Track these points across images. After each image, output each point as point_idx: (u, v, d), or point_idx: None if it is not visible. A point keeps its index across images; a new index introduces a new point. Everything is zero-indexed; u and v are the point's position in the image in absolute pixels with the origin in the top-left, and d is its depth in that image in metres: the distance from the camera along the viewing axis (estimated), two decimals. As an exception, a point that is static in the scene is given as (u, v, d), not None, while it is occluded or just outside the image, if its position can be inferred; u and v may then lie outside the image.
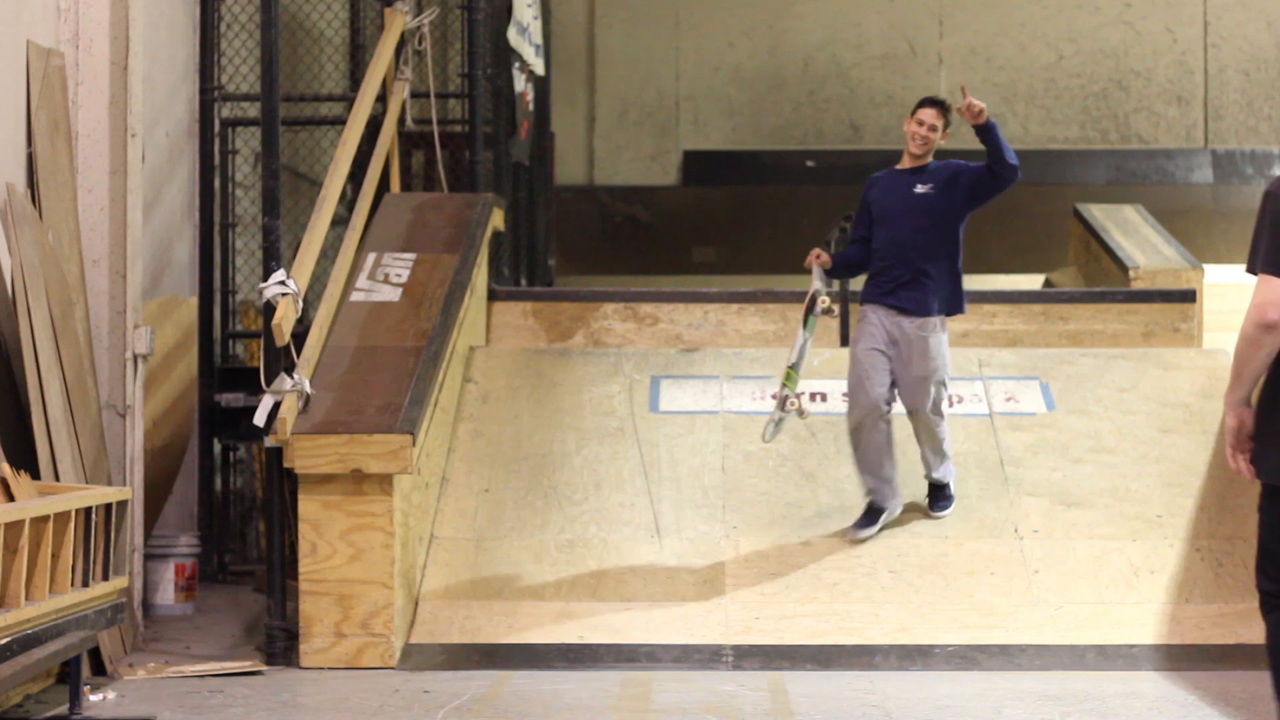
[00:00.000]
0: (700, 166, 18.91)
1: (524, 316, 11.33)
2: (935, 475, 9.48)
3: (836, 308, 9.61)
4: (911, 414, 9.31)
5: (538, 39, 13.05)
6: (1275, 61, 18.81)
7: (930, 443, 9.40)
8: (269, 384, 8.99)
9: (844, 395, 9.60)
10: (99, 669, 8.40)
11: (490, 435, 10.08)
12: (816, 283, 9.44)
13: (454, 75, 13.37)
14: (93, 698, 7.83)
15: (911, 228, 9.34)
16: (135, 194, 9.48)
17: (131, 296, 9.39)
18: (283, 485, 9.14)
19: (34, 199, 8.82)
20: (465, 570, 9.27)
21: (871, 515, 9.37)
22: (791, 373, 9.28)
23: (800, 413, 9.25)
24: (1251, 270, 5.70)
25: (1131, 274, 12.75)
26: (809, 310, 9.42)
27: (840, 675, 8.25)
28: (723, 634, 8.89)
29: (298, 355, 9.15)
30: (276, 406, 8.89)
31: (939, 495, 9.54)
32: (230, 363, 11.95)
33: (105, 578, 7.74)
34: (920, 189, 9.46)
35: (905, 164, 9.56)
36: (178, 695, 8.05)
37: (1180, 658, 8.76)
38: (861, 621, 8.88)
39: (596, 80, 19.11)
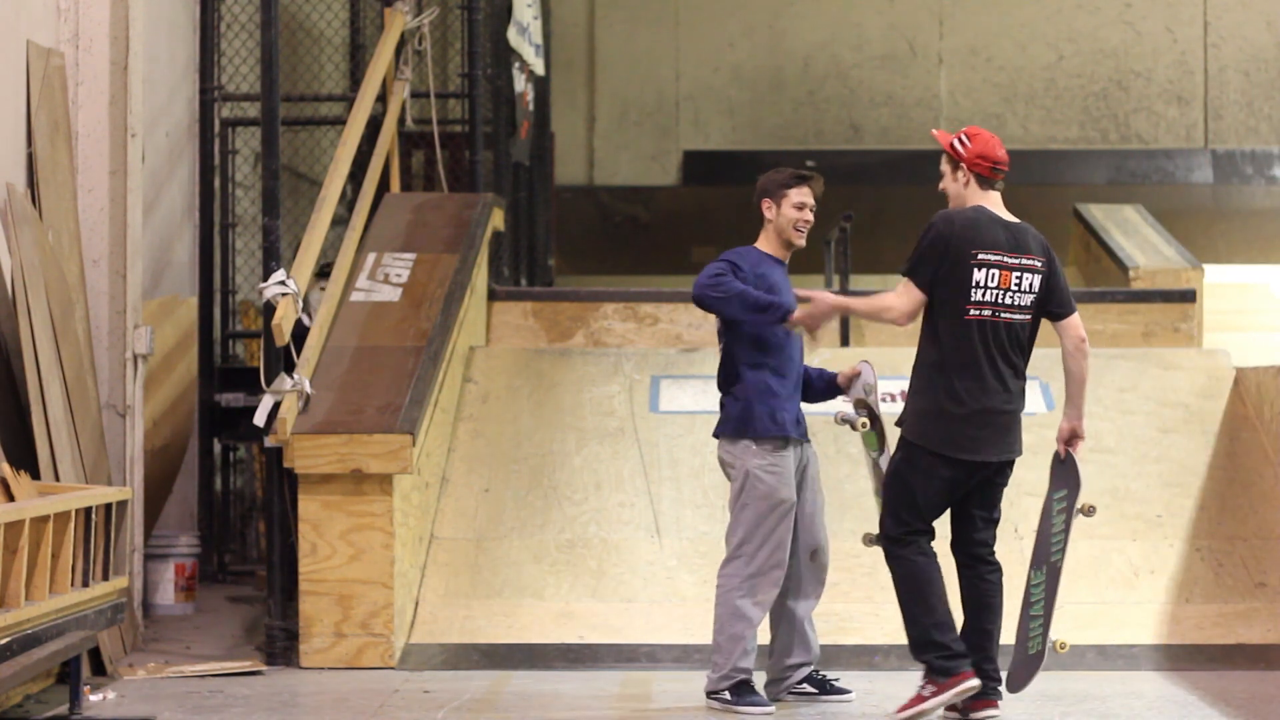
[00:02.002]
0: (700, 166, 18.90)
1: (524, 316, 11.32)
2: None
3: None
4: (815, 555, 7.94)
5: (538, 39, 13.05)
6: (1275, 61, 18.80)
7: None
8: (269, 384, 8.99)
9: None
10: (99, 669, 8.40)
11: (490, 435, 10.08)
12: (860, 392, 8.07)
13: (454, 75, 13.37)
14: (93, 698, 7.83)
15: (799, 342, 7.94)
16: (135, 194, 9.48)
17: (131, 296, 9.40)
18: (283, 485, 9.14)
19: (34, 199, 8.82)
20: (465, 570, 9.27)
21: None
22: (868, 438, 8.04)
23: None
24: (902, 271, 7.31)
25: (1131, 274, 12.75)
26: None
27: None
28: (723, 634, 8.88)
29: (297, 355, 9.15)
30: (276, 406, 8.89)
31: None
32: (230, 363, 11.95)
33: (105, 578, 7.74)
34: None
35: (780, 255, 7.92)
36: (178, 695, 8.05)
37: (1180, 658, 8.76)
38: (861, 621, 8.87)
39: (596, 80, 19.10)
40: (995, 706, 7.38)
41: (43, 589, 7.18)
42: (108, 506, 7.81)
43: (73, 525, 7.39)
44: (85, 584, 7.54)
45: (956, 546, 7.53)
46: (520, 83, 12.45)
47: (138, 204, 9.54)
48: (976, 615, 7.48)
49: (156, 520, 10.19)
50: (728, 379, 7.76)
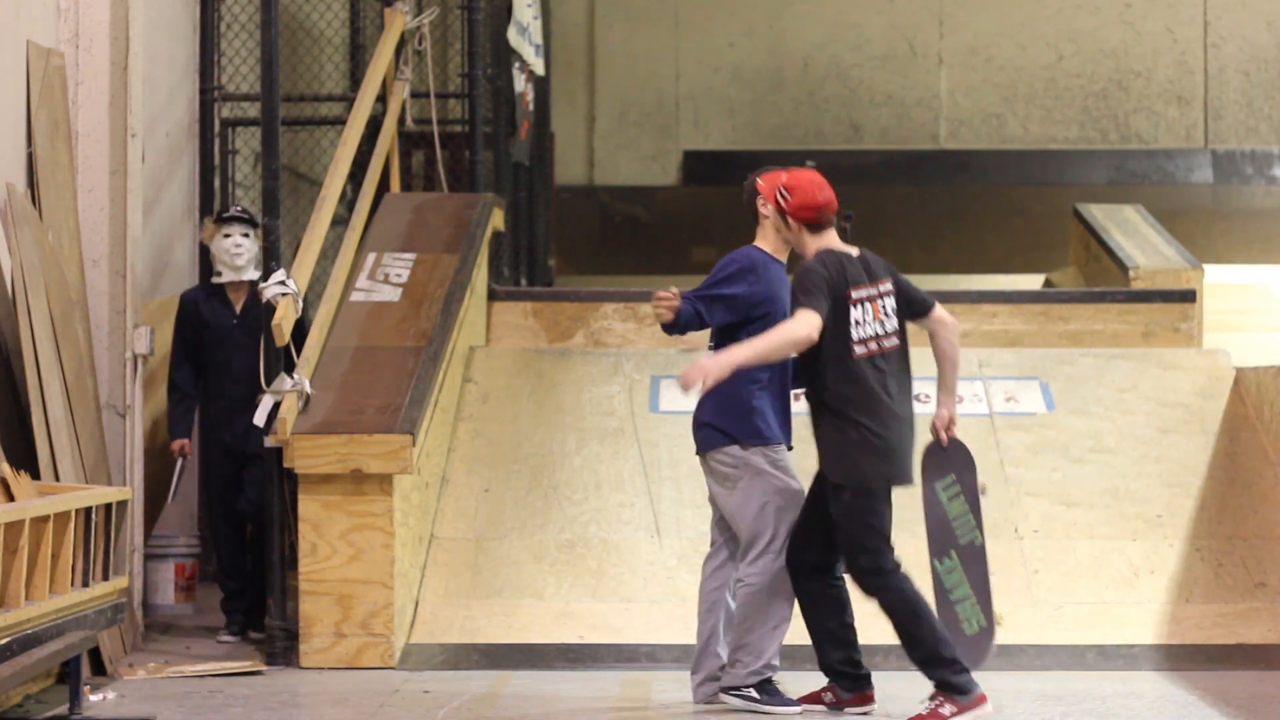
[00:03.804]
0: (700, 166, 18.91)
1: (524, 316, 11.32)
2: None
3: None
4: None
5: (538, 39, 13.05)
6: (1275, 61, 18.81)
7: None
8: (269, 384, 8.99)
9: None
10: (99, 669, 8.40)
11: (490, 435, 10.08)
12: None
13: (454, 75, 13.36)
14: (93, 698, 7.83)
15: None
16: (135, 194, 9.48)
17: (131, 296, 9.40)
18: (283, 485, 9.15)
19: (34, 199, 8.82)
20: (465, 570, 9.27)
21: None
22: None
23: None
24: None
25: (1131, 274, 12.74)
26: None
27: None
28: (723, 634, 8.88)
29: (297, 355, 9.15)
30: (276, 406, 8.90)
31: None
32: (230, 363, 11.93)
33: (105, 578, 7.74)
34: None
35: (780, 253, 7.90)
36: (178, 695, 8.05)
37: (1180, 658, 8.76)
38: (862, 621, 8.85)
39: (596, 80, 19.10)
40: (874, 700, 7.71)
41: (43, 589, 7.18)
42: (108, 506, 7.81)
43: (73, 525, 7.39)
44: (85, 584, 7.54)
45: (808, 559, 7.61)
46: (520, 83, 12.45)
47: (138, 204, 9.53)
48: (840, 614, 7.68)
49: (156, 520, 10.19)
50: (721, 386, 7.61)
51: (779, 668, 7.72)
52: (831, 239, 7.65)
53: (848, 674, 7.70)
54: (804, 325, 7.31)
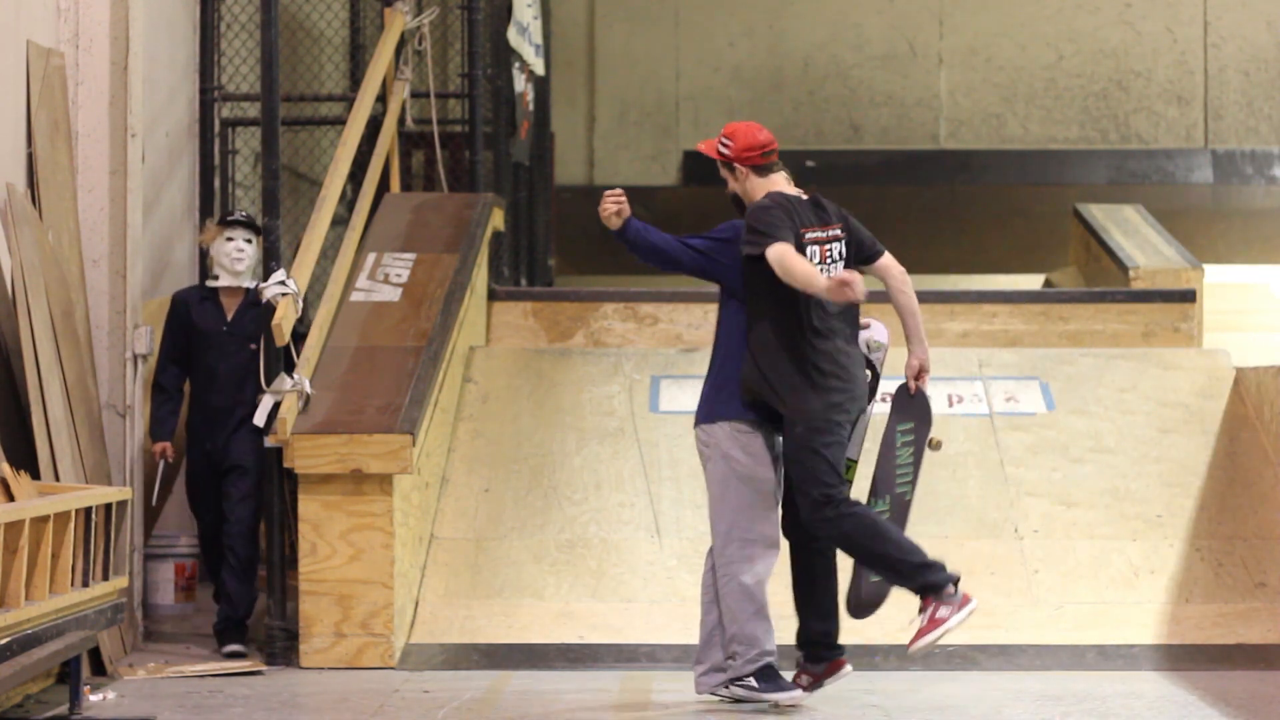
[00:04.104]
0: (700, 166, 18.87)
1: (524, 316, 11.32)
2: None
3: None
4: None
5: (538, 39, 13.05)
6: (1275, 61, 18.81)
7: None
8: (269, 384, 9.00)
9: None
10: (99, 669, 8.40)
11: (490, 435, 10.08)
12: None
13: (454, 75, 13.36)
14: (93, 698, 7.83)
15: None
16: (135, 194, 9.48)
17: (131, 296, 9.40)
18: (283, 485, 9.15)
19: (34, 199, 8.82)
20: (465, 570, 9.27)
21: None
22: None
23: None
24: (760, 247, 7.34)
25: (1131, 274, 12.74)
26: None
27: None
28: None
29: (298, 355, 9.15)
30: (276, 406, 8.90)
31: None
32: (230, 363, 11.92)
33: (105, 578, 7.74)
34: None
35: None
36: (178, 695, 8.05)
37: (1180, 658, 8.76)
38: (861, 621, 8.87)
39: (596, 80, 19.11)
40: (845, 664, 7.72)
41: (43, 589, 7.18)
42: (108, 506, 7.81)
43: (73, 525, 7.39)
44: (85, 584, 7.54)
45: (794, 527, 7.64)
46: (520, 83, 12.45)
47: (138, 204, 9.53)
48: (826, 581, 7.66)
49: (156, 520, 10.19)
50: (711, 362, 7.81)
51: (774, 652, 7.64)
52: (779, 182, 7.62)
53: (821, 644, 7.66)
54: (785, 255, 7.28)
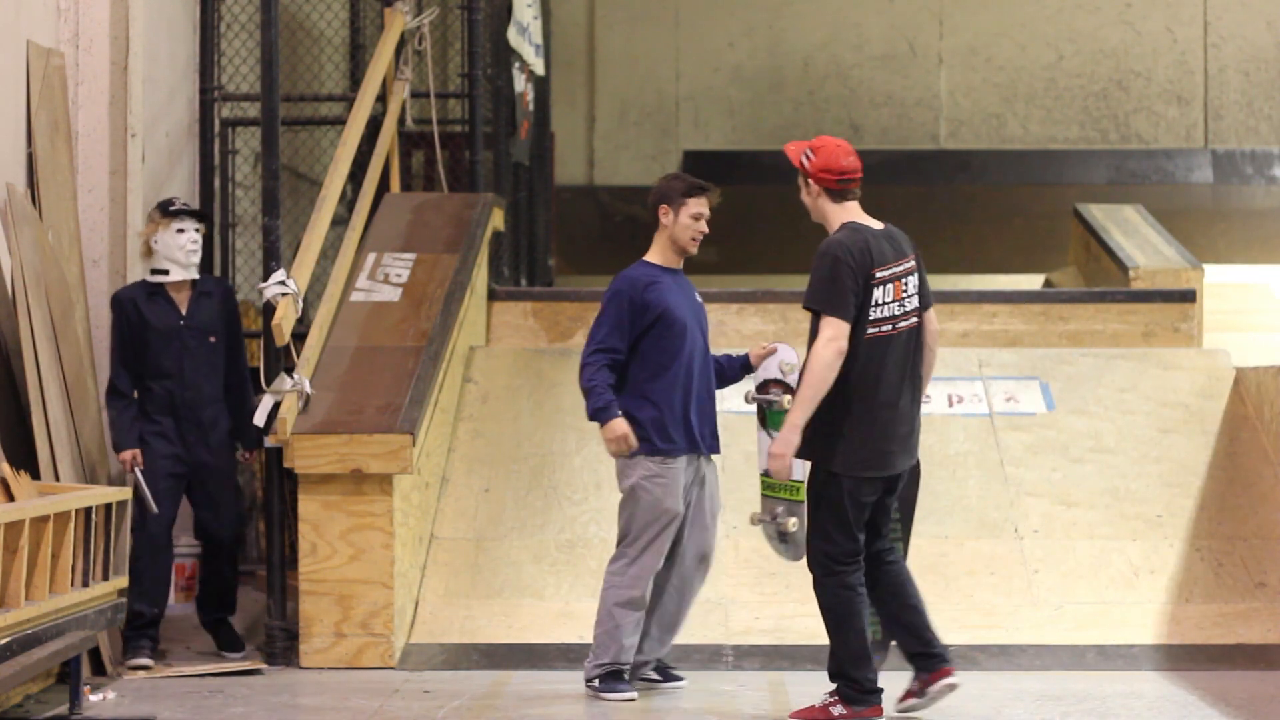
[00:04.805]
0: (700, 166, 18.87)
1: (524, 316, 11.32)
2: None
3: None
4: (703, 560, 8.14)
5: (538, 39, 13.05)
6: (1275, 61, 18.81)
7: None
8: (269, 384, 8.99)
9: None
10: (99, 669, 8.40)
11: (490, 435, 10.08)
12: (772, 372, 8.20)
13: (454, 75, 13.36)
14: (93, 698, 7.83)
15: (703, 348, 8.09)
16: (135, 194, 9.48)
17: (131, 296, 9.39)
18: (283, 485, 9.15)
19: (34, 199, 8.82)
20: (465, 570, 9.27)
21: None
22: (771, 481, 7.99)
23: (783, 532, 7.95)
24: (817, 310, 7.20)
25: (1131, 274, 12.74)
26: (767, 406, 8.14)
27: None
28: (723, 634, 8.89)
29: (298, 355, 9.15)
30: (276, 406, 8.90)
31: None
32: (230, 363, 11.92)
33: (105, 578, 7.74)
34: (699, 298, 8.18)
35: (673, 263, 8.10)
36: (178, 695, 8.05)
37: (1180, 658, 8.76)
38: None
39: (596, 80, 19.10)
40: (952, 674, 7.44)
41: (43, 589, 7.18)
42: (108, 506, 7.81)
43: (73, 525, 7.39)
44: (85, 584, 7.54)
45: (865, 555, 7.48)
46: (520, 83, 12.45)
47: (138, 204, 9.54)
48: (901, 595, 7.46)
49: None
50: (621, 407, 7.92)
51: (627, 663, 7.94)
52: (853, 211, 7.42)
53: (921, 655, 7.46)
54: (830, 344, 7.13)
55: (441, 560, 9.31)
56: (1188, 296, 11.51)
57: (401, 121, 11.63)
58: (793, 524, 7.84)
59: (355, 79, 12.80)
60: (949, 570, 9.19)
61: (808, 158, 7.43)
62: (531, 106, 12.95)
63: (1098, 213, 14.79)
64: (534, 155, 13.32)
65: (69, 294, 8.82)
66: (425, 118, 11.77)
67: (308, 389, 8.96)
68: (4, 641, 6.78)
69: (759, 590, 9.10)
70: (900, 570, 7.49)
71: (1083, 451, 9.99)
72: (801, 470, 7.67)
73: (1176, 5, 18.84)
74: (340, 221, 10.90)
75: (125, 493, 8.03)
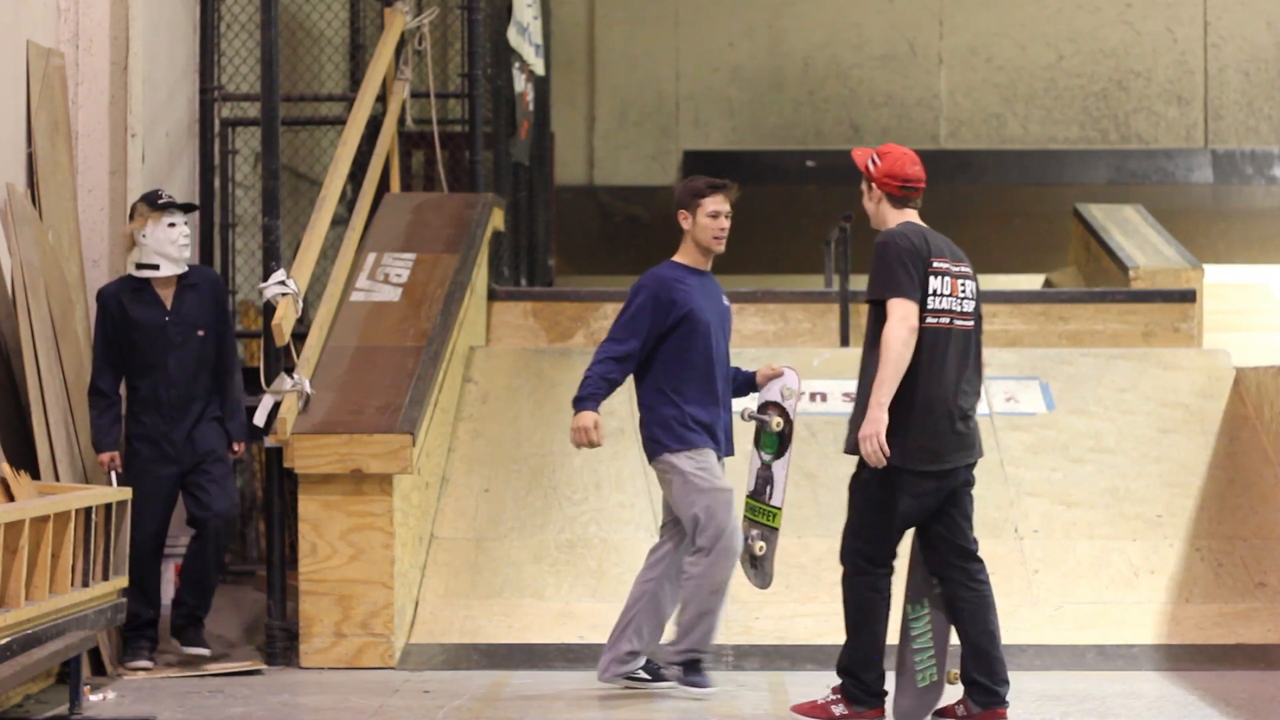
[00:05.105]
0: (700, 166, 18.86)
1: (524, 316, 11.32)
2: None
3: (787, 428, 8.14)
4: None
5: (538, 39, 13.05)
6: (1275, 61, 18.81)
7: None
8: (269, 384, 8.99)
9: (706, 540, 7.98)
10: (99, 669, 8.40)
11: (490, 435, 10.08)
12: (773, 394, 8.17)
13: (454, 75, 13.36)
14: (93, 698, 7.83)
15: (724, 351, 8.15)
16: (135, 194, 9.48)
17: (131, 296, 9.39)
18: (283, 485, 9.14)
19: (34, 199, 8.82)
20: (465, 570, 9.27)
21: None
22: (753, 503, 8.08)
23: (754, 555, 8.01)
24: (882, 298, 7.15)
25: (1131, 274, 12.75)
26: (762, 428, 8.13)
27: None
28: (723, 634, 8.87)
29: (298, 355, 9.15)
30: (276, 406, 8.90)
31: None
32: (230, 363, 11.91)
33: (105, 578, 7.74)
34: (725, 302, 8.26)
35: (700, 264, 8.17)
36: (178, 695, 8.05)
37: (1180, 658, 8.76)
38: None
39: (596, 80, 19.10)
40: (1005, 717, 7.33)
41: (43, 589, 7.18)
42: (108, 506, 7.81)
43: (73, 525, 7.39)
44: (85, 584, 7.54)
45: (936, 557, 7.38)
46: (520, 83, 12.45)
47: (138, 204, 9.53)
48: (980, 620, 7.35)
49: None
50: (644, 403, 8.02)
51: (709, 651, 8.02)
52: (912, 217, 7.40)
53: (980, 685, 7.32)
54: (902, 323, 7.09)
55: (441, 560, 9.31)
56: (1188, 296, 11.52)
57: (401, 121, 11.63)
58: (759, 548, 7.96)
59: (355, 79, 12.80)
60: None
61: (874, 162, 7.43)
62: (531, 106, 12.95)
63: (1098, 213, 14.80)
64: (534, 155, 13.32)
65: (69, 294, 8.82)
66: (425, 118, 11.77)
67: (308, 389, 8.96)
68: (4, 641, 6.78)
69: (759, 590, 9.09)
70: (986, 595, 7.37)
71: (1083, 451, 9.99)
72: (780, 497, 7.82)
73: (1176, 5, 18.84)
74: (340, 221, 10.91)
75: (125, 493, 8.03)
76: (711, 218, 7.99)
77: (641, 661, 8.12)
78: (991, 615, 7.36)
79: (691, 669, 7.99)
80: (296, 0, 12.96)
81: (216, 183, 11.61)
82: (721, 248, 8.04)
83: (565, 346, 11.11)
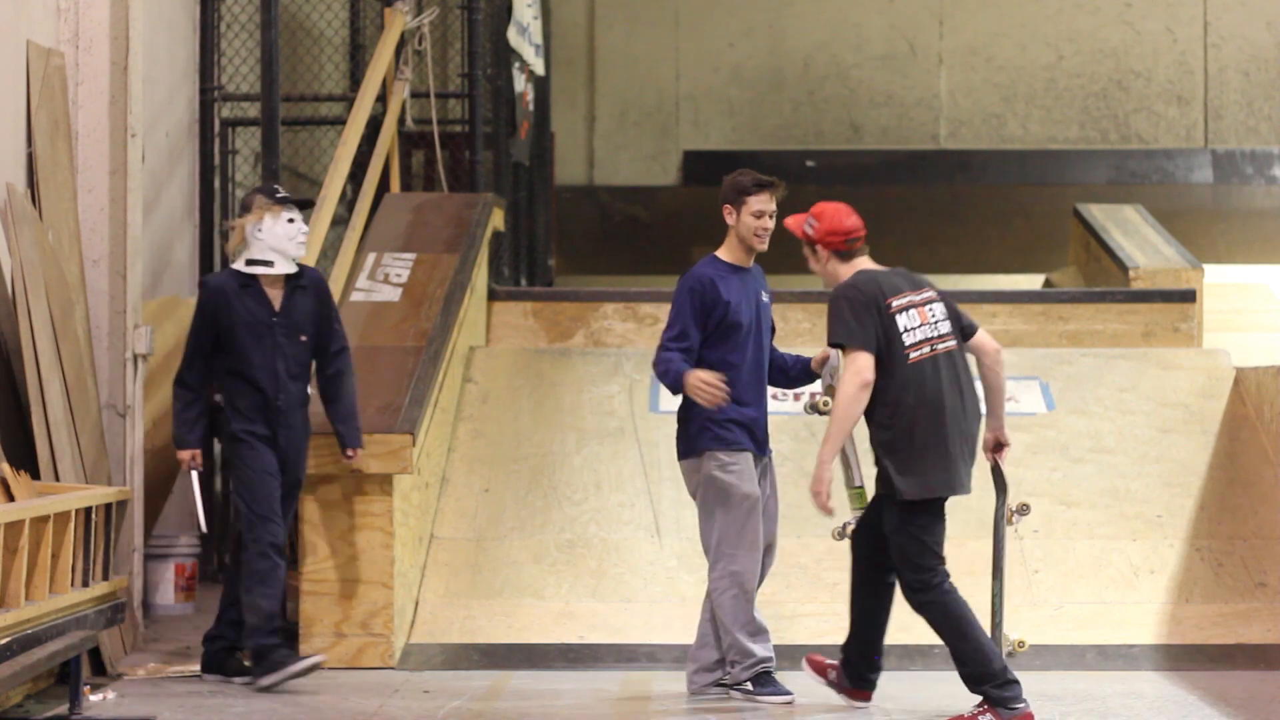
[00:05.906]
0: (700, 166, 18.90)
1: (524, 316, 11.33)
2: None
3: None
4: (769, 550, 8.02)
5: (538, 39, 13.06)
6: (1275, 61, 18.81)
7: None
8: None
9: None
10: (99, 669, 8.40)
11: (490, 435, 10.08)
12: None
13: (454, 75, 13.37)
14: (93, 698, 7.83)
15: (765, 348, 8.05)
16: (135, 194, 9.48)
17: (131, 296, 9.40)
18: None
19: (34, 199, 8.82)
20: (465, 570, 9.27)
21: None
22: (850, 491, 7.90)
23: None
24: (843, 344, 7.35)
25: (1131, 274, 12.75)
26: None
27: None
28: (723, 634, 8.88)
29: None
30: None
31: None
32: (230, 363, 11.89)
33: (105, 578, 7.74)
34: (765, 297, 8.08)
35: (741, 260, 8.00)
36: (178, 695, 8.05)
37: (1180, 658, 8.76)
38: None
39: (596, 80, 19.10)
40: (869, 699, 7.69)
41: (43, 589, 7.18)
42: (108, 506, 7.81)
43: (73, 525, 7.40)
44: (85, 584, 7.55)
45: (875, 554, 7.55)
46: (520, 83, 12.45)
47: (138, 204, 9.53)
48: (883, 615, 7.61)
49: (156, 520, 10.19)
50: (683, 400, 7.88)
51: (771, 658, 7.81)
52: (864, 264, 7.53)
53: (854, 665, 7.64)
54: (855, 378, 7.27)
55: (441, 560, 9.31)
56: (1188, 296, 11.52)
57: (401, 121, 11.64)
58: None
59: (355, 79, 12.81)
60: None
61: (811, 226, 7.56)
62: (531, 106, 12.95)
63: (1098, 213, 14.79)
64: (534, 155, 13.33)
65: (69, 294, 8.82)
66: (425, 118, 11.78)
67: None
68: (4, 641, 6.78)
69: (759, 590, 9.08)
70: (891, 590, 7.57)
71: (1083, 451, 9.99)
72: (859, 475, 7.78)
73: (1176, 5, 18.84)
74: (340, 221, 10.91)
75: (125, 492, 8.03)
76: (755, 216, 7.85)
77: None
78: (889, 608, 7.61)
79: (761, 681, 7.81)
80: (296, 0, 12.97)
81: (216, 183, 11.62)
82: (764, 246, 7.93)
83: (565, 347, 11.11)
